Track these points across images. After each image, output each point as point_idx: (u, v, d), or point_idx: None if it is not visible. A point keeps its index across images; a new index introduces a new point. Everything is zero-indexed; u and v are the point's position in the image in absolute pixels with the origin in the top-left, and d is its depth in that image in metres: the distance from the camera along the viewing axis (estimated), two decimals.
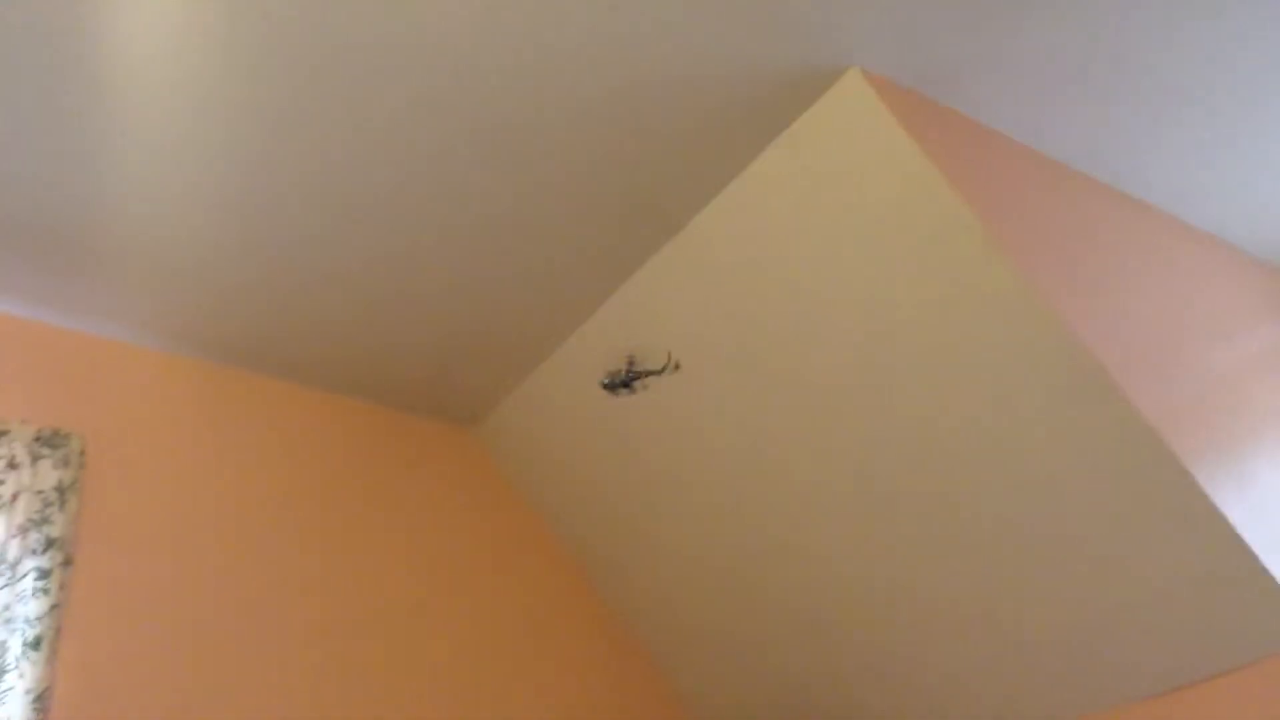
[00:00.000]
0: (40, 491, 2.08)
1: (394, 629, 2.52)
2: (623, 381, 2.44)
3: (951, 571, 2.32)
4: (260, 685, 2.26)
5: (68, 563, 2.07)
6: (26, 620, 1.96)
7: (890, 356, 2.15)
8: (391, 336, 2.48)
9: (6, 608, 1.96)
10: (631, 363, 2.46)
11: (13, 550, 2.01)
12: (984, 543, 2.24)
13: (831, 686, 2.66)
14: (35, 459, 2.11)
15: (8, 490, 2.06)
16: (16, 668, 1.91)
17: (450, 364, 2.61)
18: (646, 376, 2.43)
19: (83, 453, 2.20)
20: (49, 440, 2.13)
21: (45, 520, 2.06)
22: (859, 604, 2.50)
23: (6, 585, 1.98)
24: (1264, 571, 1.96)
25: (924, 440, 2.20)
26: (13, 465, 2.08)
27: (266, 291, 2.29)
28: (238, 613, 2.30)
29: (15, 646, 1.93)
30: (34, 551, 2.02)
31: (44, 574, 2.01)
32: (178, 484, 2.34)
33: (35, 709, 1.90)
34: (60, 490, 2.10)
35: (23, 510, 2.05)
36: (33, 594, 1.98)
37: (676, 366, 2.41)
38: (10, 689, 1.89)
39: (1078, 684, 2.29)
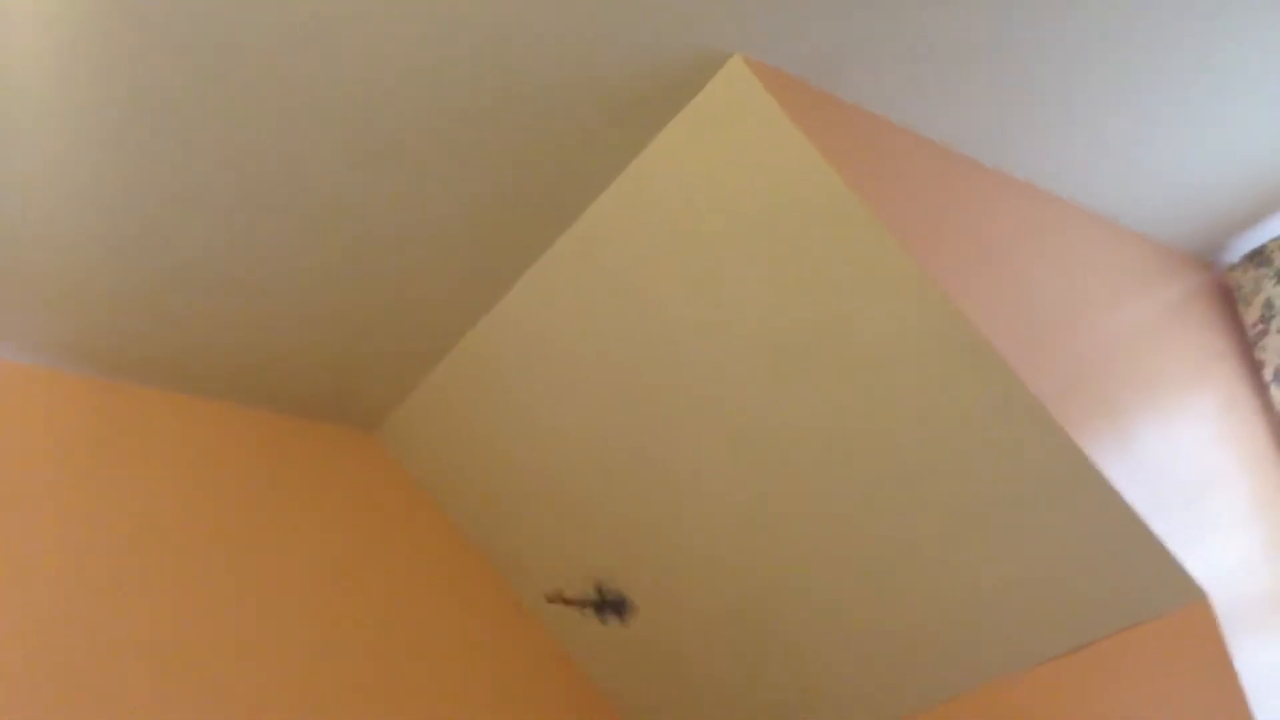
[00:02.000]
0: None
1: (306, 644, 2.46)
2: (612, 608, 2.47)
3: (832, 554, 2.36)
4: (160, 711, 2.20)
5: None
6: None
7: (781, 341, 2.17)
8: (284, 341, 2.43)
9: None
10: (600, 588, 2.48)
11: None
12: (867, 521, 2.28)
13: (724, 681, 2.68)
14: None
15: None
16: None
17: (346, 367, 2.57)
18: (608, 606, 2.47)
19: None
20: None
21: None
22: (746, 595, 2.53)
23: None
24: (1150, 535, 2.03)
25: (813, 422, 2.23)
26: None
27: (151, 301, 2.22)
28: (135, 635, 2.23)
29: None
30: None
31: None
32: (63, 505, 2.26)
33: None
34: None
35: None
36: None
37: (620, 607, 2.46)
38: None
39: (968, 657, 2.34)
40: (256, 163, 1.94)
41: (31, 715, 2.03)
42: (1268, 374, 2.59)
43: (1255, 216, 2.60)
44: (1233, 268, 2.71)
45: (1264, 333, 2.61)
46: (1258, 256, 2.65)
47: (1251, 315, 2.64)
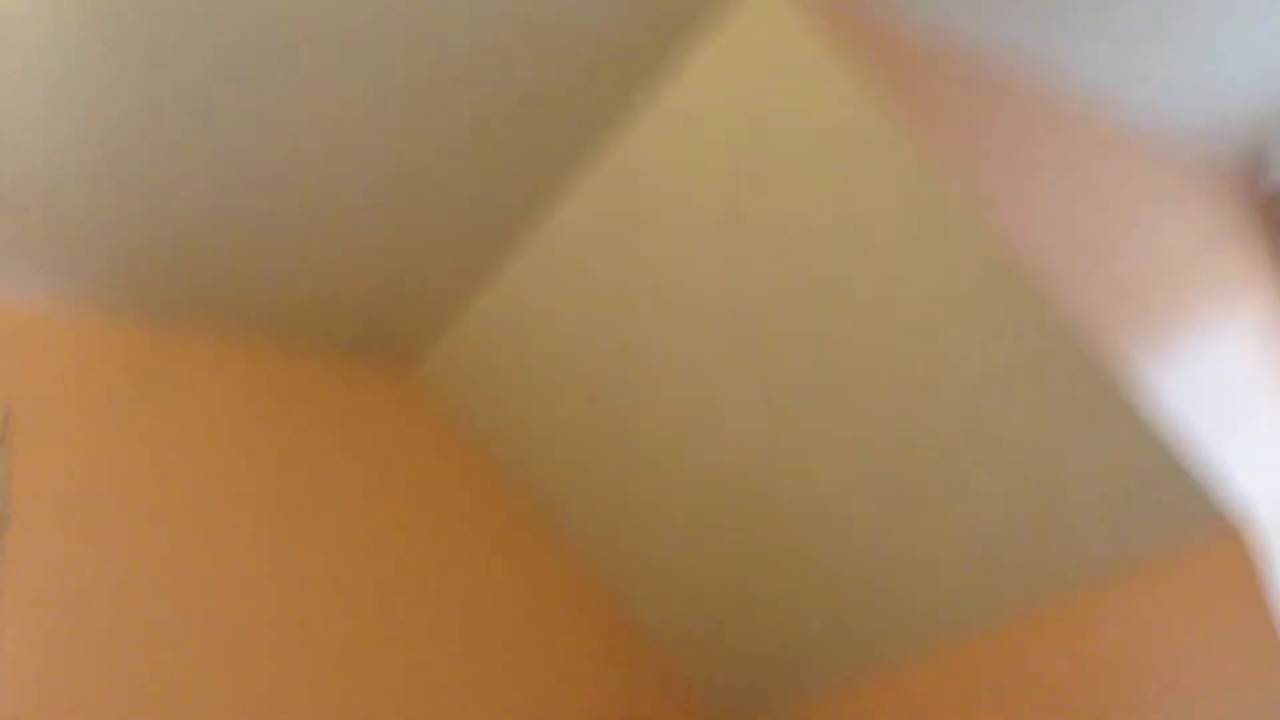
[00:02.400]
0: None
1: (339, 597, 2.44)
2: None
3: (858, 477, 2.35)
4: (202, 664, 2.22)
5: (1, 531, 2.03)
6: None
7: (822, 265, 2.15)
8: (315, 276, 2.41)
9: None
10: None
11: None
12: (898, 443, 2.27)
13: (746, 605, 2.68)
14: None
15: None
16: None
17: (380, 304, 2.55)
18: None
19: (6, 421, 2.14)
20: None
21: None
22: (768, 518, 2.52)
23: None
24: (1192, 457, 2.01)
25: (851, 346, 2.21)
26: None
27: (181, 240, 2.22)
28: (161, 584, 2.24)
29: None
30: None
31: None
32: (90, 447, 2.25)
33: None
34: None
35: None
36: None
37: None
38: None
39: (1002, 580, 2.34)
40: (285, 95, 1.93)
41: (62, 656, 2.08)
42: None
43: None
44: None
45: None
46: None
47: None
